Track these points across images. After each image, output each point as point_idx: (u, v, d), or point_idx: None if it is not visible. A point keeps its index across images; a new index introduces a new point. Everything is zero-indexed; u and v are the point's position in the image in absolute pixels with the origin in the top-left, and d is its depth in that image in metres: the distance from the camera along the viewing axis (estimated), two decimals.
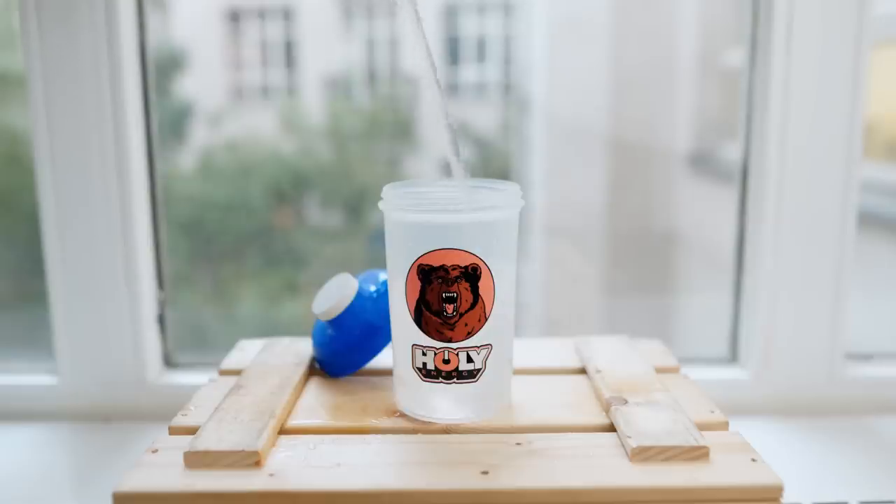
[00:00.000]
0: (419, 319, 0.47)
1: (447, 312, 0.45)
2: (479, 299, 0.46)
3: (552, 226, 2.28)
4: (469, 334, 0.46)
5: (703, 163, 1.98)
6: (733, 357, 0.84)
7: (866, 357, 0.83)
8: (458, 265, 0.45)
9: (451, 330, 0.46)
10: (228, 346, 0.67)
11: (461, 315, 0.46)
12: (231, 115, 3.23)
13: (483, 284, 0.45)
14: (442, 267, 0.45)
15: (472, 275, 0.45)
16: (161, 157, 0.83)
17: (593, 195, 2.15)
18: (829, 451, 0.73)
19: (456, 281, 0.45)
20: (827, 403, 0.80)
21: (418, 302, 0.46)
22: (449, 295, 0.45)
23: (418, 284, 0.46)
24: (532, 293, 2.23)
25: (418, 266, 0.46)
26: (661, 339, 0.68)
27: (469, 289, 0.45)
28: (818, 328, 0.80)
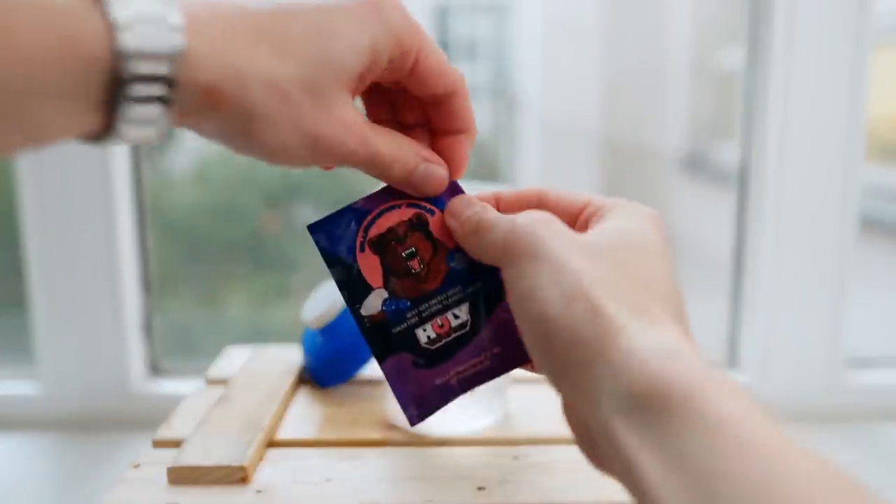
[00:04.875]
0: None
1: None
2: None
3: None
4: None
5: (696, 165, 1.97)
6: (732, 363, 0.83)
7: (865, 364, 0.82)
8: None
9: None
10: (216, 350, 0.66)
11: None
12: None
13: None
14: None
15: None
16: (147, 161, 0.81)
17: None
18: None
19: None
20: (826, 410, 0.79)
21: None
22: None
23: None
24: None
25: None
26: None
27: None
28: (817, 335, 0.79)
